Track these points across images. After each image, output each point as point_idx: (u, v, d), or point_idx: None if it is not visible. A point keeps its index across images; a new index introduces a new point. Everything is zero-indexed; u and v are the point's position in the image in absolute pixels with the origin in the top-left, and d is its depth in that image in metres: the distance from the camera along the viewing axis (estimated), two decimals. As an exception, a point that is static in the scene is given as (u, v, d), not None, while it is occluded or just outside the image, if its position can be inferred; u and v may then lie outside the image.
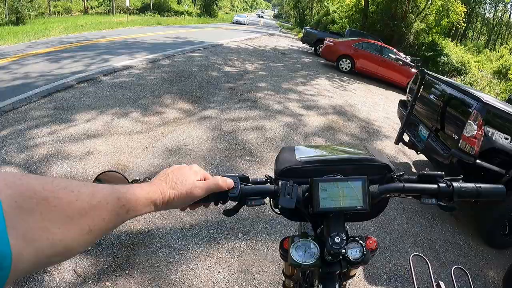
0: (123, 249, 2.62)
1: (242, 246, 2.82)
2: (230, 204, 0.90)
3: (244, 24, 38.31)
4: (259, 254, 2.76)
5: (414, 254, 1.34)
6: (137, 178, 0.83)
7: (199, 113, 5.71)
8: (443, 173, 0.95)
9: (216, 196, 0.83)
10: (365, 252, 0.89)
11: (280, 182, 0.88)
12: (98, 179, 0.82)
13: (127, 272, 2.43)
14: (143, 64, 8.79)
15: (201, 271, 2.52)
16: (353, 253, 0.89)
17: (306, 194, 0.89)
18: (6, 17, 22.16)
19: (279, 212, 0.96)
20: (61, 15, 30.88)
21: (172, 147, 4.34)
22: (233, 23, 39.03)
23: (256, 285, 2.47)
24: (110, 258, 2.52)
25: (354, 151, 1.15)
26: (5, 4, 22.19)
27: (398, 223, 3.58)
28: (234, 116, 5.76)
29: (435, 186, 0.92)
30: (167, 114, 5.47)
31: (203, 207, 0.86)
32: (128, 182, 0.83)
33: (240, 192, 0.85)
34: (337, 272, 0.91)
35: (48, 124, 4.57)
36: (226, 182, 0.82)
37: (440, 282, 1.19)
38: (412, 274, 1.25)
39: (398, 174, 0.98)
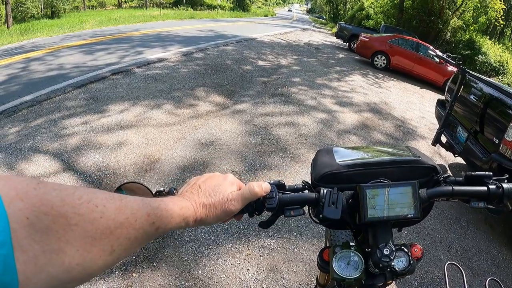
0: (152, 241, 2.62)
1: (272, 244, 2.78)
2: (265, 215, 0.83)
3: None
4: (289, 253, 2.71)
5: (449, 263, 1.26)
6: (161, 189, 0.76)
7: (232, 107, 5.70)
8: (491, 173, 0.87)
9: (251, 206, 0.75)
10: (411, 262, 0.82)
11: (322, 190, 0.81)
12: (120, 189, 0.75)
13: (154, 264, 2.44)
14: (177, 57, 8.85)
15: (230, 268, 2.50)
16: (399, 263, 0.81)
17: (350, 201, 0.82)
18: (41, 11, 22.88)
19: (318, 221, 0.87)
20: (95, 9, 31.58)
21: (205, 140, 4.34)
22: None
23: (285, 285, 2.42)
24: (138, 250, 2.52)
25: (397, 152, 1.05)
26: (41, -1, 22.92)
27: (432, 228, 3.45)
28: (268, 111, 5.71)
29: (485, 188, 0.84)
30: (200, 106, 5.48)
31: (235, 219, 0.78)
32: (152, 194, 0.76)
33: (278, 201, 0.78)
34: (381, 284, 0.85)
35: (81, 114, 4.66)
36: (262, 187, 0.74)
37: None
38: (446, 283, 1.18)
39: (445, 176, 0.90)
